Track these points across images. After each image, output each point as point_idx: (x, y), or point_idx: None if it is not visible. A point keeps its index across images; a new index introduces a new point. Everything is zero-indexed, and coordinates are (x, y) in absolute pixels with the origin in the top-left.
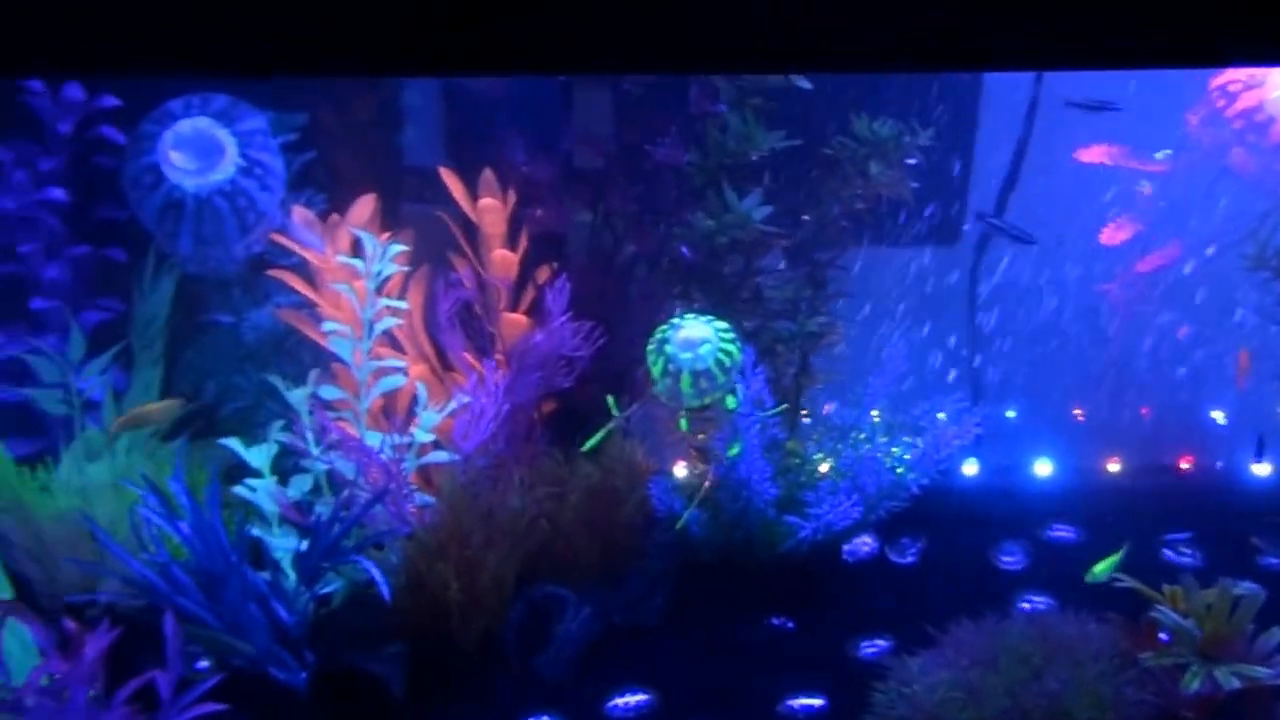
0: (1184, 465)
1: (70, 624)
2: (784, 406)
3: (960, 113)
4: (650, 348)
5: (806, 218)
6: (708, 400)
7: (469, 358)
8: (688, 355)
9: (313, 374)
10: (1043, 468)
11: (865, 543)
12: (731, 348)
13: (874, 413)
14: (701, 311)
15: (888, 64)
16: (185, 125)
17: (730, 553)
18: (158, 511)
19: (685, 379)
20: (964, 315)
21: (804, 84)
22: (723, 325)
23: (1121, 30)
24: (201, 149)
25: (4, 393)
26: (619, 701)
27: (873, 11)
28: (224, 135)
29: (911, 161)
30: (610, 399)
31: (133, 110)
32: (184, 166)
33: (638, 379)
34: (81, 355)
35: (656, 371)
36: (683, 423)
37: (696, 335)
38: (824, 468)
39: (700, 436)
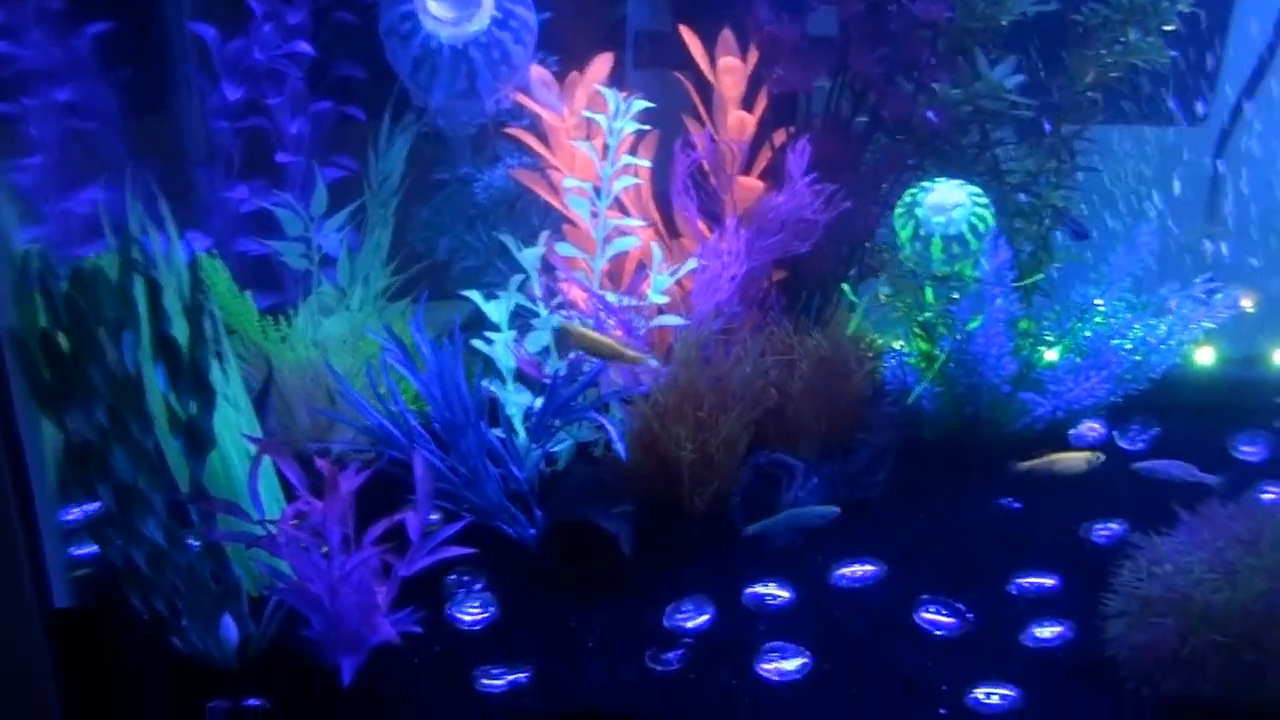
0: None
1: (324, 464)
2: (1039, 276)
3: None
4: (898, 211)
5: (1054, 88)
6: (957, 268)
7: (701, 222)
8: (940, 219)
9: (543, 234)
10: None
11: (1093, 428)
12: (985, 213)
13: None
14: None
15: None
16: None
17: (957, 430)
18: (400, 361)
19: (936, 244)
20: (1207, 197)
21: None
22: (975, 189)
23: None
24: None
25: (249, 245)
26: (845, 571)
27: None
28: None
29: (1170, 28)
30: (846, 285)
31: None
32: (441, 16)
33: (868, 249)
34: (324, 210)
35: (905, 236)
36: (928, 292)
37: (949, 199)
38: (1051, 355)
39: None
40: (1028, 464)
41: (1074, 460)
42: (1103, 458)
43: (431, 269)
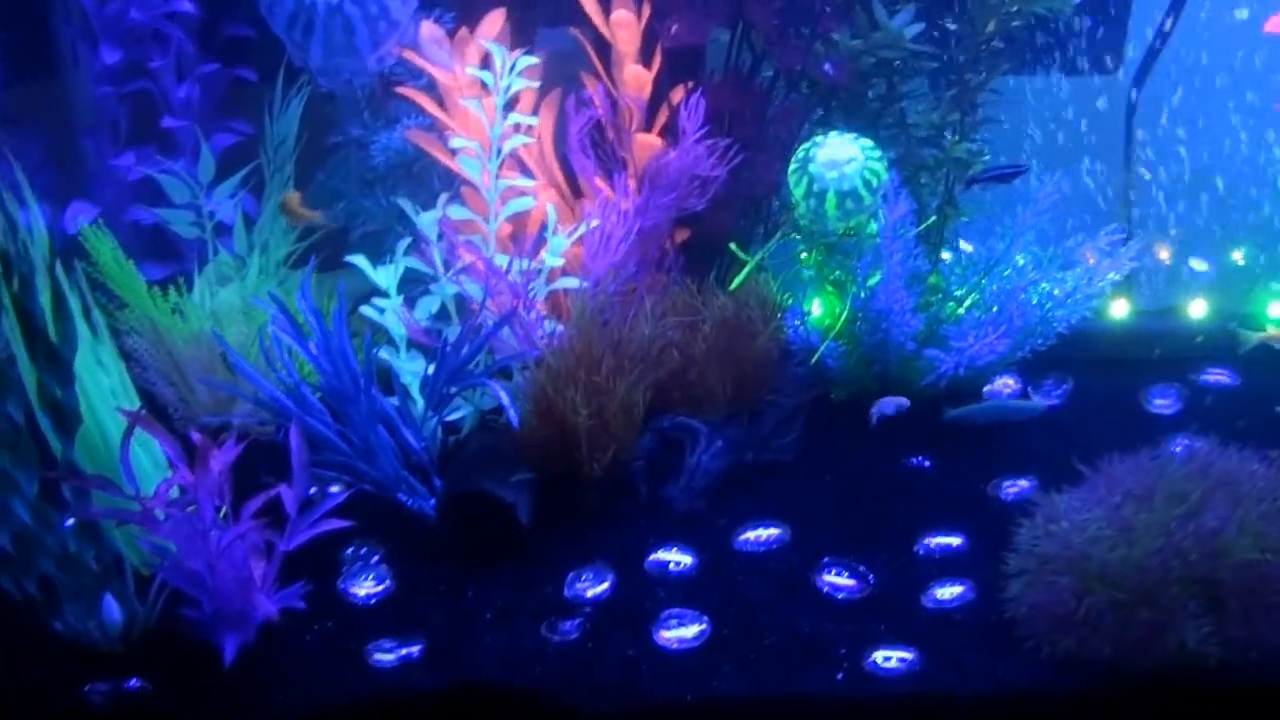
0: None
1: (197, 435)
2: (932, 220)
3: None
4: (792, 168)
5: (955, 34)
6: (853, 224)
7: (599, 180)
8: (833, 174)
9: (441, 198)
10: (1198, 309)
11: (1007, 384)
12: (878, 166)
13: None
14: (845, 130)
15: None
16: None
17: (865, 389)
18: (288, 331)
19: (830, 200)
20: (1119, 149)
21: None
22: (868, 143)
23: None
24: None
25: (139, 214)
26: (749, 535)
27: None
28: None
29: None
30: (734, 245)
31: None
32: None
33: (773, 208)
34: (211, 176)
35: (799, 193)
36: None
37: (842, 154)
38: (963, 308)
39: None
40: (1261, 336)
41: None
42: None
43: (333, 236)
